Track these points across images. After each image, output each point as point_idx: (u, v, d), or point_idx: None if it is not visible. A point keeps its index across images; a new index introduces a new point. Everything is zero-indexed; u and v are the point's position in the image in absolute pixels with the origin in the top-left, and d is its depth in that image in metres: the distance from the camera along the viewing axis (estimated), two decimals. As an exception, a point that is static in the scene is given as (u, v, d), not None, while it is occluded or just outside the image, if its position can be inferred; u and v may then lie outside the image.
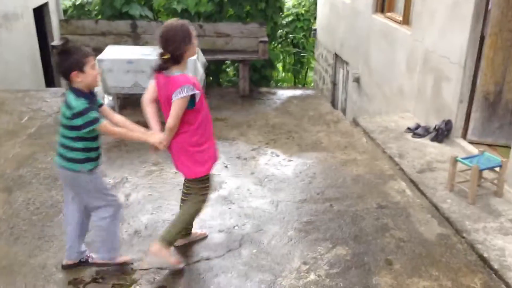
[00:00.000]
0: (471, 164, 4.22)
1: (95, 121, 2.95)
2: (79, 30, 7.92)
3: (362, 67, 8.31)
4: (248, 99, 7.74)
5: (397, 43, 6.81)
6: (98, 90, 6.27)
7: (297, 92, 8.44)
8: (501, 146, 5.13)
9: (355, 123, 6.62)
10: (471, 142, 5.28)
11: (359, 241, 3.83)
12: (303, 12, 12.82)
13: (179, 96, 3.03)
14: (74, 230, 3.31)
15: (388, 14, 7.33)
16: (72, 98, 2.92)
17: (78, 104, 2.89)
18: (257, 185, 4.79)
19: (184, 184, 3.65)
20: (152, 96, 3.32)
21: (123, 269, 3.43)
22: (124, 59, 6.33)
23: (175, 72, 3.12)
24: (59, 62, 2.97)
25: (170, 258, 3.39)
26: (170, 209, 4.29)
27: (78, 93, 2.94)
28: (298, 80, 13.85)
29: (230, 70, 10.75)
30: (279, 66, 13.40)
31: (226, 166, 5.18)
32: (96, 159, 3.16)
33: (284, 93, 8.20)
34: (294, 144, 5.84)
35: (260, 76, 9.17)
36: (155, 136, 3.23)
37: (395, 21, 7.03)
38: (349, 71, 9.08)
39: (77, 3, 9.76)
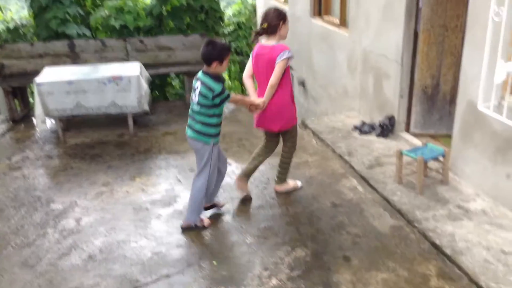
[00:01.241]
0: (416, 156, 4.38)
1: (228, 96, 3.75)
2: (15, 53, 7.65)
3: (306, 70, 8.46)
4: (196, 110, 7.70)
5: (337, 45, 6.99)
6: (39, 114, 6.08)
7: (245, 100, 8.46)
8: (442, 136, 5.36)
9: (304, 125, 6.72)
10: (415, 135, 5.48)
11: (317, 241, 3.88)
12: (243, 20, 12.89)
13: (282, 58, 3.96)
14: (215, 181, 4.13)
15: (326, 17, 7.51)
16: (211, 82, 3.65)
17: (218, 86, 3.65)
18: (212, 196, 4.75)
19: (272, 138, 4.49)
20: (249, 73, 4.26)
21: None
22: (64, 80, 6.14)
23: (273, 42, 4.04)
24: (208, 50, 3.64)
25: (290, 185, 4.67)
26: (124, 229, 4.19)
27: (214, 77, 3.68)
28: (245, 88, 13.91)
29: (175, 84, 10.66)
30: (225, 75, 13.40)
31: (179, 180, 5.12)
32: (219, 135, 3.91)
33: (231, 102, 8.21)
34: (246, 152, 5.85)
35: (206, 87, 9.14)
36: (258, 98, 4.12)
37: (333, 24, 7.21)
38: (294, 75, 9.22)
39: (11, 27, 9.39)
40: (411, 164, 4.56)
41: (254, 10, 12.52)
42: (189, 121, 3.90)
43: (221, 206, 4.43)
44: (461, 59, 4.41)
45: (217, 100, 3.68)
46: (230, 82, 13.89)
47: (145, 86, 6.45)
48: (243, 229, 4.12)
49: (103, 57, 7.83)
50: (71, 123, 6.94)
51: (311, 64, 8.11)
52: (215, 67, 3.66)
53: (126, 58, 7.88)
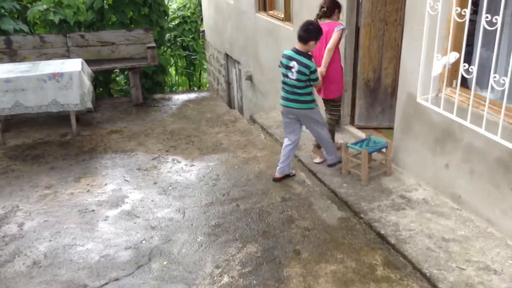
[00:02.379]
0: (360, 148, 4.50)
1: (316, 71, 4.37)
2: None
3: (253, 65, 8.48)
4: (142, 107, 7.56)
5: (282, 39, 7.04)
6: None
7: (192, 95, 8.40)
8: (385, 128, 5.53)
9: (252, 120, 6.75)
10: (359, 127, 5.63)
11: (268, 236, 3.92)
12: (189, 14, 12.75)
13: (338, 29, 4.56)
14: (290, 152, 4.74)
15: (271, 12, 7.55)
16: (307, 60, 4.28)
17: (313, 64, 4.30)
18: (161, 194, 4.70)
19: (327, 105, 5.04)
20: None
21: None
22: (1, 78, 5.84)
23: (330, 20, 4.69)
24: (309, 29, 4.24)
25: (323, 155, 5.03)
26: (70, 232, 4.06)
27: (307, 56, 4.30)
28: (193, 83, 13.78)
29: (120, 79, 10.39)
30: (172, 70, 13.23)
31: (126, 180, 5.02)
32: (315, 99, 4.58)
33: (179, 98, 8.12)
34: (195, 148, 5.81)
35: (153, 82, 8.97)
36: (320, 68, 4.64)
37: (277, 19, 7.26)
38: (241, 70, 9.23)
39: None
40: (356, 156, 4.69)
41: (199, 4, 12.41)
42: (286, 95, 4.50)
43: (293, 175, 4.89)
44: (400, 53, 4.57)
45: (314, 76, 4.34)
46: (177, 78, 13.72)
47: (87, 82, 6.24)
48: (194, 227, 4.10)
49: (42, 53, 7.51)
50: (10, 124, 6.63)
51: (258, 59, 8.14)
52: (311, 45, 4.28)
53: (67, 54, 7.59)
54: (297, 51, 4.31)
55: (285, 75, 4.41)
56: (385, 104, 5.51)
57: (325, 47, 4.62)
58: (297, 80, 4.34)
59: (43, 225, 4.20)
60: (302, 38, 4.26)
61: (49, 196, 4.71)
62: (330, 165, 4.90)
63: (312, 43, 4.28)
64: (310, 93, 4.48)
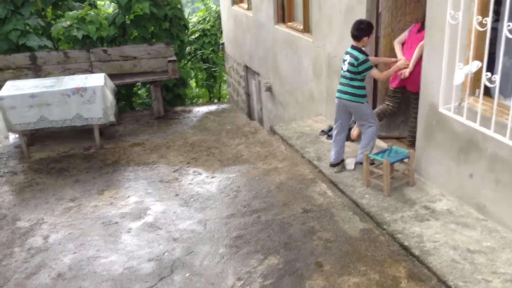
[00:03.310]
0: (382, 158, 4.47)
1: (370, 68, 4.65)
2: (-27, 67, 7.40)
3: (272, 76, 8.52)
4: (164, 120, 7.64)
5: (302, 50, 7.07)
6: (1, 129, 5.91)
7: (213, 107, 8.46)
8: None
9: (272, 131, 6.76)
10: (380, 137, 5.58)
11: (289, 248, 3.91)
12: (208, 27, 12.89)
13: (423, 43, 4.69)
14: (342, 140, 5.08)
15: (290, 23, 7.59)
16: (357, 53, 4.62)
17: (362, 56, 4.60)
18: (183, 206, 4.73)
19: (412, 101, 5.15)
20: (401, 39, 5.13)
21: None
22: (26, 93, 5.99)
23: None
24: (360, 27, 4.62)
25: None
26: (94, 245, 4.12)
27: (360, 50, 4.65)
28: (213, 95, 13.88)
29: (142, 92, 10.54)
30: (192, 83, 13.35)
31: (149, 192, 5.07)
32: (367, 95, 4.86)
33: (200, 110, 8.19)
34: (215, 160, 5.84)
35: (174, 95, 9.07)
36: (404, 61, 4.92)
37: (297, 30, 7.29)
38: (261, 81, 9.27)
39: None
40: (378, 167, 4.65)
41: (219, 17, 12.54)
42: (340, 87, 4.86)
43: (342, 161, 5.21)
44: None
45: (360, 68, 4.60)
46: (197, 90, 13.84)
47: (110, 96, 6.35)
48: (215, 239, 4.11)
49: (66, 68, 7.67)
50: (35, 137, 6.76)
51: (277, 70, 8.17)
52: (365, 40, 4.65)
53: (90, 69, 7.75)
54: (352, 46, 4.72)
55: (342, 68, 4.84)
56: (407, 114, 5.46)
57: (415, 45, 4.92)
58: (348, 71, 4.72)
59: (67, 238, 4.27)
60: (356, 36, 4.66)
61: (74, 209, 4.79)
62: (358, 162, 5.04)
63: (365, 39, 4.65)
64: (361, 88, 4.74)
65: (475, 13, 3.64)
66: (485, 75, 3.53)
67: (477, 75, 3.84)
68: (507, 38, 3.31)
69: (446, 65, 3.93)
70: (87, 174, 5.62)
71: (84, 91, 6.09)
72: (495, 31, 3.80)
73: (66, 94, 6.06)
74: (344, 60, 4.77)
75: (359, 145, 5.06)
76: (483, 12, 3.62)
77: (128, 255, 3.94)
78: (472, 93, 3.97)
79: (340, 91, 4.88)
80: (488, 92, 3.86)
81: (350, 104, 4.83)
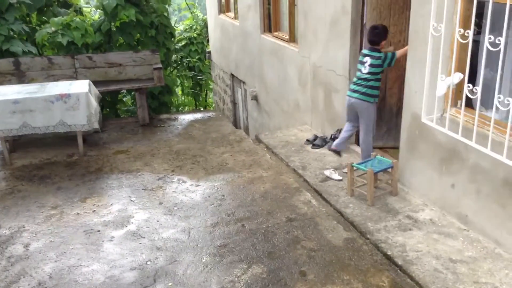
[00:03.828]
0: (366, 168, 4.50)
1: (393, 55, 4.80)
2: (-45, 72, 7.30)
3: (258, 85, 8.55)
4: (149, 127, 7.60)
5: (287, 60, 7.11)
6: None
7: (198, 115, 8.45)
8: (391, 148, 5.53)
9: (258, 140, 6.77)
10: (377, 142, 5.61)
11: (273, 257, 3.90)
12: (195, 36, 12.90)
13: None
14: (347, 134, 5.34)
15: (276, 33, 7.64)
16: (377, 53, 4.80)
17: (381, 54, 4.80)
18: (167, 214, 4.70)
19: None
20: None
21: None
22: (9, 99, 5.91)
23: None
24: (375, 33, 4.81)
25: None
26: (75, 253, 4.06)
27: (378, 50, 4.83)
28: (199, 103, 13.85)
29: (127, 100, 10.48)
30: (178, 90, 13.32)
31: (132, 200, 5.02)
32: (378, 96, 5.05)
33: (185, 118, 8.17)
34: (200, 168, 5.82)
35: (159, 103, 9.04)
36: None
37: (282, 40, 7.34)
38: (247, 90, 9.29)
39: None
40: (362, 176, 4.68)
41: (206, 26, 12.57)
42: (353, 87, 5.01)
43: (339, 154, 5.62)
44: (404, 73, 4.60)
45: (386, 64, 4.80)
46: (183, 98, 13.81)
47: (94, 103, 6.30)
48: (199, 247, 4.09)
49: (50, 75, 7.60)
50: (17, 144, 6.67)
51: (263, 79, 8.21)
52: (383, 44, 4.85)
53: (75, 75, 7.69)
54: (370, 48, 4.88)
55: (359, 70, 4.97)
56: (391, 123, 5.52)
57: None
58: (369, 73, 4.86)
59: (48, 246, 4.20)
60: (373, 42, 4.85)
61: (55, 217, 4.72)
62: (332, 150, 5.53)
63: (383, 43, 4.86)
64: (375, 88, 4.91)
65: (457, 25, 3.71)
66: (466, 86, 3.59)
67: (459, 86, 3.90)
68: (488, 50, 3.37)
69: (429, 77, 3.98)
70: (69, 181, 5.56)
71: (68, 97, 6.03)
72: (477, 43, 3.87)
73: (49, 101, 6.00)
74: (364, 62, 4.90)
75: (361, 155, 5.23)
76: (465, 25, 3.69)
77: (110, 264, 3.90)
78: (454, 104, 4.03)
79: (352, 90, 5.03)
80: (470, 103, 3.92)
81: (360, 104, 4.96)
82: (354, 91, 5.00)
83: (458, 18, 3.75)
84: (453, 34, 3.79)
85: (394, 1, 5.13)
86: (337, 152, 5.62)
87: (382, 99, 5.48)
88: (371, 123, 5.05)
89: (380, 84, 4.96)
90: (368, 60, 4.85)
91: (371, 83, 4.89)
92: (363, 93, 4.92)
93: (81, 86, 6.31)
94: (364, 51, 4.96)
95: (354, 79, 5.04)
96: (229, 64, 10.32)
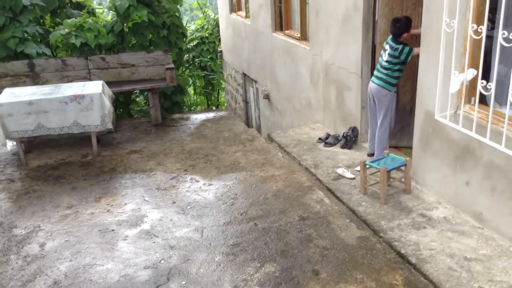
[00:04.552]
0: (379, 166, 4.47)
1: (410, 50, 4.74)
2: (-29, 74, 7.42)
3: (270, 84, 8.54)
4: (161, 127, 7.65)
5: (299, 58, 7.09)
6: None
7: (210, 114, 8.48)
8: (403, 147, 5.48)
9: (270, 139, 6.77)
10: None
11: (286, 255, 3.90)
12: (207, 35, 12.94)
13: None
14: (374, 131, 5.18)
15: (287, 31, 7.62)
16: (396, 44, 4.79)
17: (401, 45, 4.77)
18: (180, 214, 4.72)
19: None
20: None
21: None
22: (24, 101, 5.99)
23: None
24: (397, 27, 4.79)
25: None
26: (90, 252, 4.11)
27: (399, 42, 4.81)
28: (211, 102, 13.91)
29: (140, 100, 10.57)
30: (190, 90, 13.39)
31: (146, 200, 5.06)
32: (397, 85, 5.02)
33: (197, 117, 8.21)
34: (213, 168, 5.85)
35: (172, 102, 9.09)
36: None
37: (294, 38, 7.32)
38: (259, 89, 9.30)
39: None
40: (375, 174, 4.66)
41: (217, 25, 12.59)
42: (375, 73, 5.03)
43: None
44: (417, 71, 4.56)
45: (403, 56, 4.76)
46: (195, 97, 13.86)
47: (108, 104, 6.36)
48: (212, 246, 4.11)
49: (64, 76, 7.69)
50: (32, 145, 6.76)
51: (275, 77, 8.20)
52: (405, 36, 4.81)
53: (88, 76, 7.77)
54: (393, 39, 4.86)
55: (381, 56, 5.00)
56: (404, 122, 5.46)
57: None
58: (387, 62, 4.87)
59: (64, 245, 4.26)
60: (395, 35, 4.83)
61: (70, 216, 4.78)
62: (369, 154, 5.37)
63: (405, 35, 4.81)
64: (394, 77, 4.89)
65: (470, 21, 3.67)
66: (480, 83, 3.55)
67: (472, 83, 3.86)
68: (502, 46, 3.33)
69: (442, 73, 3.95)
70: (84, 181, 5.62)
71: (81, 98, 6.10)
72: (491, 39, 3.83)
73: (63, 102, 6.07)
74: (385, 50, 4.93)
75: (375, 145, 5.19)
76: (478, 20, 3.65)
77: (125, 262, 3.93)
78: (468, 101, 3.99)
79: (374, 76, 5.06)
80: (483, 100, 3.87)
81: (378, 90, 4.96)
82: (375, 77, 5.02)
83: (471, 14, 3.71)
84: (466, 30, 3.75)
85: None
86: (372, 155, 5.36)
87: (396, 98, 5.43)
88: (388, 114, 5.00)
89: (400, 74, 4.93)
90: (388, 48, 4.88)
91: (389, 72, 4.88)
92: (382, 79, 4.92)
93: (95, 87, 6.38)
94: (388, 39, 4.96)
95: (377, 66, 5.06)
96: (241, 63, 10.33)
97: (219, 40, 12.54)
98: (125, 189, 5.34)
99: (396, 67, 4.86)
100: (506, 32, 3.27)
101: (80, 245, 4.25)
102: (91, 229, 4.50)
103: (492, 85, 3.45)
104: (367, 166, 4.61)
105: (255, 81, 9.54)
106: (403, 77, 5.35)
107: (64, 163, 6.21)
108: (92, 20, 8.12)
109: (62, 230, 4.52)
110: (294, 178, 5.31)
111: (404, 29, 4.79)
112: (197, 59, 12.70)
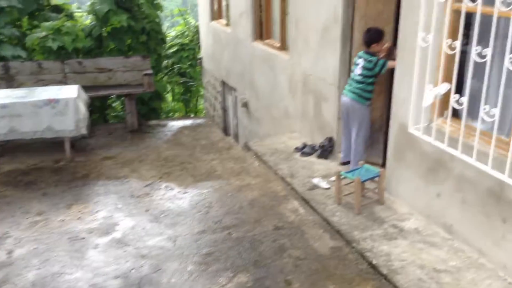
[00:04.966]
0: (353, 177, 4.50)
1: (385, 62, 4.76)
2: None
3: (249, 92, 8.54)
4: (137, 133, 7.58)
5: (278, 67, 7.12)
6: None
7: (188, 122, 8.45)
8: (372, 163, 5.39)
9: (247, 147, 6.76)
10: (346, 162, 5.59)
11: (259, 265, 3.88)
12: (187, 42, 12.90)
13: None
14: (347, 141, 5.26)
15: (267, 41, 7.65)
16: (370, 56, 4.82)
17: (374, 57, 4.79)
18: (153, 222, 4.66)
19: None
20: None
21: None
22: (-4, 104, 5.88)
23: None
24: (367, 35, 4.83)
25: None
26: (59, 260, 4.02)
27: (372, 53, 4.85)
28: (190, 109, 13.84)
29: (116, 105, 10.46)
30: (169, 96, 13.31)
31: (118, 207, 4.99)
32: (371, 99, 5.00)
33: (174, 124, 8.16)
34: (188, 175, 5.80)
35: (149, 108, 9.04)
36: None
37: (274, 47, 7.35)
38: (237, 97, 9.29)
39: None
40: (349, 185, 4.68)
41: (197, 32, 12.57)
42: (347, 87, 5.08)
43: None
44: (388, 86, 4.61)
45: (377, 68, 4.79)
46: (174, 104, 13.79)
47: (83, 109, 6.28)
48: (184, 255, 4.06)
49: (39, 79, 7.58)
50: (4, 149, 6.61)
51: (254, 86, 8.21)
52: (374, 47, 4.84)
53: (64, 80, 7.66)
54: (365, 52, 4.91)
55: (352, 71, 5.05)
56: (373, 138, 5.40)
57: None
58: (361, 75, 4.90)
59: (32, 253, 4.16)
60: (367, 43, 4.89)
61: (40, 223, 4.67)
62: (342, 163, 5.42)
63: (374, 45, 4.84)
64: (368, 91, 4.93)
65: (445, 36, 3.74)
66: (453, 97, 3.61)
67: (446, 97, 3.92)
68: (475, 62, 3.40)
69: (416, 87, 4.00)
70: (55, 187, 5.51)
71: (56, 102, 6.00)
72: (465, 54, 3.90)
73: (37, 106, 5.97)
74: (357, 64, 4.95)
75: (351, 155, 5.22)
76: (453, 36, 3.72)
77: (94, 271, 3.86)
78: (441, 114, 4.04)
79: (346, 89, 5.11)
80: (456, 114, 3.93)
81: (351, 103, 5.00)
82: (349, 91, 5.05)
83: (446, 29, 3.77)
84: (441, 45, 3.81)
85: (380, 12, 5.12)
86: (345, 164, 5.40)
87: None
88: (363, 128, 5.03)
89: (373, 88, 4.94)
90: (361, 62, 4.89)
91: (362, 85, 4.91)
92: (355, 93, 4.95)
93: (70, 92, 6.29)
94: (360, 53, 4.98)
95: (349, 80, 5.09)
96: (220, 71, 10.31)
97: (199, 47, 12.52)
98: (97, 196, 5.25)
99: (370, 80, 4.88)
100: (479, 48, 3.33)
101: (49, 253, 4.15)
102: (60, 236, 4.41)
103: (465, 100, 3.51)
104: (342, 176, 4.63)
105: (234, 89, 9.53)
106: (375, 92, 5.34)
107: (35, 168, 6.09)
108: (70, 23, 8.03)
109: (31, 237, 4.42)
110: (270, 187, 5.30)
111: (374, 38, 4.82)
112: (176, 66, 12.64)
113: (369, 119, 5.08)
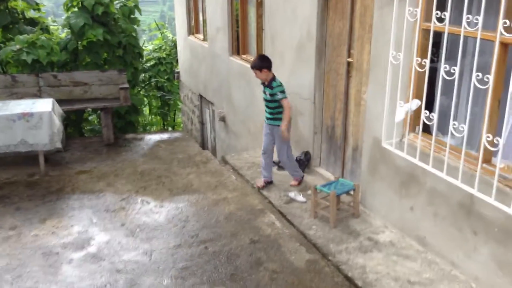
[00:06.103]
0: (328, 190, 4.56)
1: (281, 86, 5.15)
2: None
3: (226, 106, 8.59)
4: (113, 147, 7.52)
5: (254, 82, 7.17)
6: None
7: (165, 135, 8.42)
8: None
9: (224, 161, 6.78)
10: (328, 170, 5.70)
11: (235, 279, 3.89)
12: (164, 56, 12.92)
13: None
14: (269, 160, 5.51)
15: (244, 56, 7.73)
16: (270, 90, 5.15)
17: (273, 90, 5.12)
18: (129, 236, 4.63)
19: None
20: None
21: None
22: (-32, 117, 5.77)
23: None
24: (258, 61, 5.19)
25: None
26: (32, 276, 3.95)
27: (269, 82, 5.18)
28: (167, 123, 13.81)
29: (93, 118, 10.36)
30: (146, 110, 13.26)
31: (93, 221, 4.93)
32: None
33: (151, 138, 8.13)
34: (165, 189, 5.78)
35: (126, 122, 8.98)
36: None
37: (250, 62, 7.41)
38: (215, 111, 9.32)
39: None
40: (325, 198, 4.74)
41: (175, 46, 12.61)
42: (265, 113, 5.34)
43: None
44: (347, 105, 4.73)
45: (279, 96, 5.11)
46: (151, 117, 13.75)
47: (57, 122, 6.21)
48: (160, 270, 4.04)
49: (13, 93, 7.47)
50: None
51: (231, 100, 8.26)
52: (258, 74, 5.18)
53: (39, 94, 7.57)
54: (263, 84, 5.26)
55: (264, 99, 5.36)
56: (337, 154, 5.48)
57: None
58: (270, 101, 5.23)
59: (4, 268, 4.07)
60: (254, 67, 5.20)
61: (13, 238, 4.59)
62: (299, 182, 5.55)
63: (265, 71, 5.16)
64: (281, 113, 5.19)
65: (415, 54, 3.86)
66: (424, 113, 3.72)
67: (417, 113, 4.03)
68: (444, 79, 3.52)
69: (388, 103, 4.11)
70: (29, 202, 5.42)
71: (30, 116, 5.93)
72: (435, 71, 4.03)
73: (11, 119, 5.89)
74: (265, 93, 5.25)
75: (289, 173, 5.58)
76: (423, 54, 3.84)
77: (68, 287, 3.80)
78: (413, 129, 4.16)
79: (265, 116, 5.40)
80: (427, 129, 4.05)
81: (271, 127, 5.31)
82: (266, 116, 5.35)
83: (416, 47, 3.90)
84: (411, 62, 3.94)
85: (339, 32, 5.15)
86: (270, 183, 5.61)
87: (333, 128, 5.46)
88: (285, 145, 5.31)
89: (282, 109, 5.17)
90: (266, 93, 5.22)
91: (274, 110, 5.22)
92: (271, 119, 5.27)
93: (45, 105, 6.22)
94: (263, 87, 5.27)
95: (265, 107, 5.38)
96: (198, 85, 10.35)
97: (177, 61, 12.55)
98: (72, 211, 5.19)
99: (277, 104, 5.17)
100: (448, 66, 3.46)
101: (22, 268, 4.07)
102: (34, 251, 4.34)
103: (435, 115, 3.62)
104: (318, 190, 4.69)
105: (212, 103, 9.57)
106: (337, 110, 5.38)
107: (9, 183, 5.98)
108: (46, 37, 7.96)
109: (4, 252, 4.33)
110: (247, 201, 5.32)
111: (259, 65, 5.13)
112: (153, 79, 12.63)
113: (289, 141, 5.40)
